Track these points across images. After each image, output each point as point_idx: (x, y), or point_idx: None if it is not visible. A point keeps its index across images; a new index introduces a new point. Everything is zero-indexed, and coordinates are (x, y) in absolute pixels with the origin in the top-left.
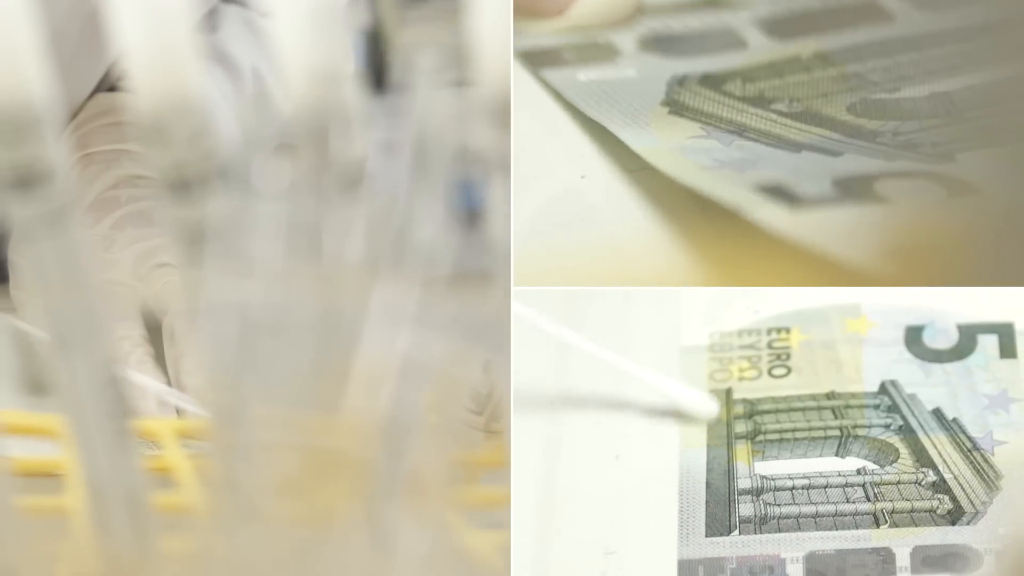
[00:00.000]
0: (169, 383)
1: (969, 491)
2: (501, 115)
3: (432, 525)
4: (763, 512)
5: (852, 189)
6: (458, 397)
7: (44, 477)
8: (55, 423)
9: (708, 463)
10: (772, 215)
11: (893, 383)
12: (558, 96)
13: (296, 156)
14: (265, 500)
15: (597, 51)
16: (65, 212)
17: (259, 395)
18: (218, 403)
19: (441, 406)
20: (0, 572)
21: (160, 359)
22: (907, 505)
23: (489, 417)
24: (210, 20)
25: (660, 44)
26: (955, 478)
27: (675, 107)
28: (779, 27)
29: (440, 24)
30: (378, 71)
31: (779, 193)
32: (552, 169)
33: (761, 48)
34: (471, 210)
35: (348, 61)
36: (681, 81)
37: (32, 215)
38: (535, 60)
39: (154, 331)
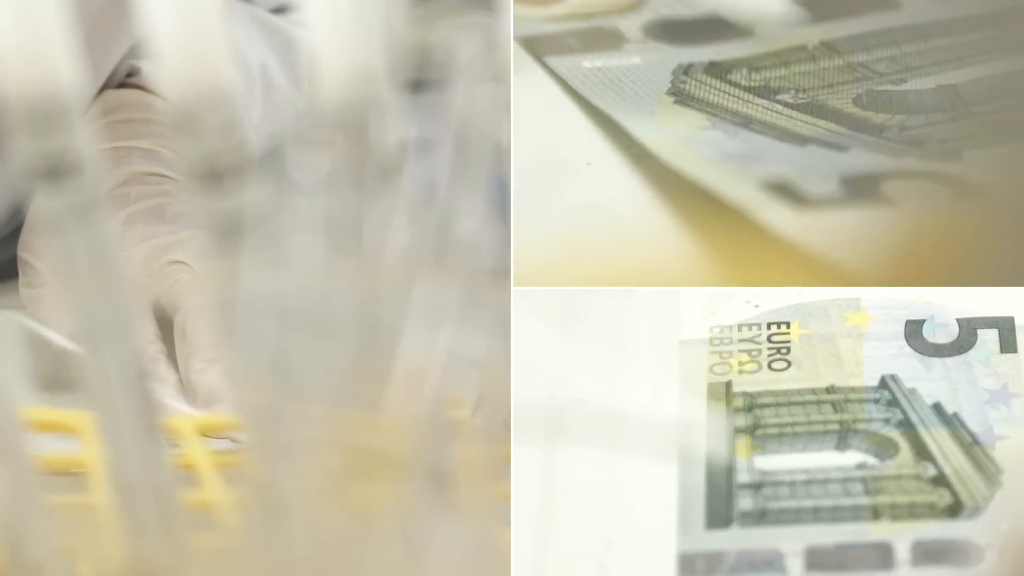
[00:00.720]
0: (180, 381)
1: (970, 485)
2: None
3: (470, 523)
4: (762, 506)
5: (859, 190)
6: (496, 392)
7: (65, 474)
8: (75, 419)
9: (707, 457)
10: (777, 215)
11: (893, 377)
12: (563, 83)
13: (332, 149)
14: (302, 498)
15: (602, 38)
16: (94, 204)
17: (296, 392)
18: (253, 400)
19: (482, 401)
20: (25, 569)
21: (172, 357)
22: (907, 499)
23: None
24: None
25: (666, 31)
26: (955, 472)
27: (681, 96)
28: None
29: (465, 19)
30: (402, 67)
31: (785, 191)
32: (557, 156)
33: (768, 36)
34: (502, 206)
35: (384, 55)
36: (687, 70)
37: (62, 206)
38: (539, 47)
39: (165, 329)
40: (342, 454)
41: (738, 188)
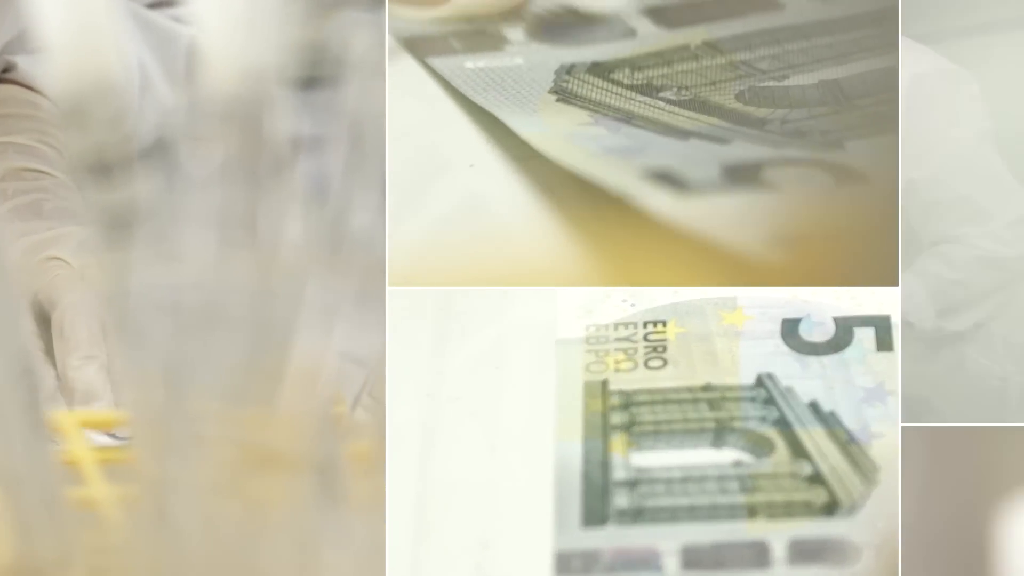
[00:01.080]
0: (57, 377)
1: (846, 483)
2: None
3: (358, 518)
4: (638, 504)
5: (740, 176)
6: (380, 388)
7: None
8: None
9: (584, 454)
10: (659, 202)
11: (769, 376)
12: (446, 84)
13: (223, 143)
14: (193, 495)
15: (485, 39)
16: None
17: (188, 388)
18: (143, 396)
19: (363, 398)
20: None
21: (49, 354)
22: (783, 498)
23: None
24: None
25: (549, 33)
26: (832, 470)
27: (563, 95)
28: (668, 16)
29: (351, 15)
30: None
31: (666, 179)
32: (440, 157)
33: (650, 37)
34: None
35: (274, 51)
36: (569, 70)
37: None
38: (421, 48)
39: (42, 326)
40: (234, 450)
41: (619, 179)
